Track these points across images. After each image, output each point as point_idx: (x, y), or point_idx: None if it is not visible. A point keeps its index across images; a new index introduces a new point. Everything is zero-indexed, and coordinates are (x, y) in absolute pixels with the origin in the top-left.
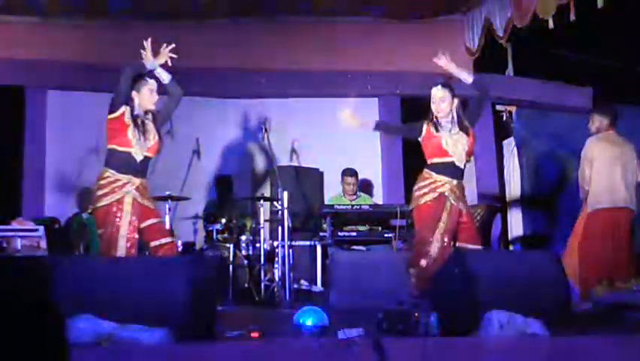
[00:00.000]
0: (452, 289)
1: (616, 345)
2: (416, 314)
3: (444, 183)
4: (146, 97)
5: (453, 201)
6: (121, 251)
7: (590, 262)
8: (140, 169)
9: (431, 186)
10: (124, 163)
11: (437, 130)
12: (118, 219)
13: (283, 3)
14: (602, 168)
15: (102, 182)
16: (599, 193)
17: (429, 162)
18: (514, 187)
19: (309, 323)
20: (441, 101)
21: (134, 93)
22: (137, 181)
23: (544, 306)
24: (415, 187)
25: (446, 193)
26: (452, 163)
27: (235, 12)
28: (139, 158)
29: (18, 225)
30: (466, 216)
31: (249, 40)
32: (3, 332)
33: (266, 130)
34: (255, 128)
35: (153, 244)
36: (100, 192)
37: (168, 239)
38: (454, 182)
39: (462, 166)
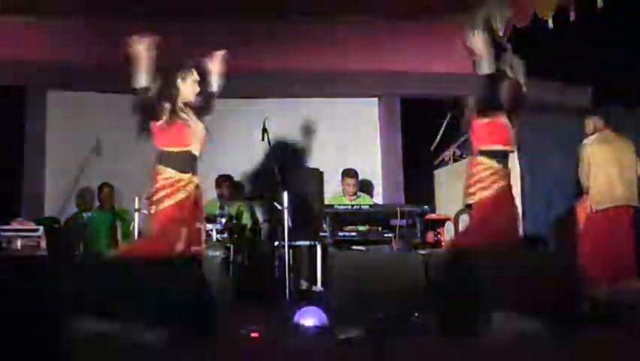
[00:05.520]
0: (452, 289)
1: (616, 345)
2: (416, 314)
3: None
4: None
5: None
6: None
7: (590, 262)
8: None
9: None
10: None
11: None
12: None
13: (283, 3)
14: (599, 170)
15: (163, 182)
16: (599, 195)
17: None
18: (513, 187)
19: (309, 323)
20: None
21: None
22: (195, 180)
23: (545, 306)
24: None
25: None
26: None
27: (236, 12)
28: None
29: (18, 225)
30: None
31: (250, 40)
32: (3, 331)
33: (266, 130)
34: (255, 128)
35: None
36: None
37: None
38: None
39: None
